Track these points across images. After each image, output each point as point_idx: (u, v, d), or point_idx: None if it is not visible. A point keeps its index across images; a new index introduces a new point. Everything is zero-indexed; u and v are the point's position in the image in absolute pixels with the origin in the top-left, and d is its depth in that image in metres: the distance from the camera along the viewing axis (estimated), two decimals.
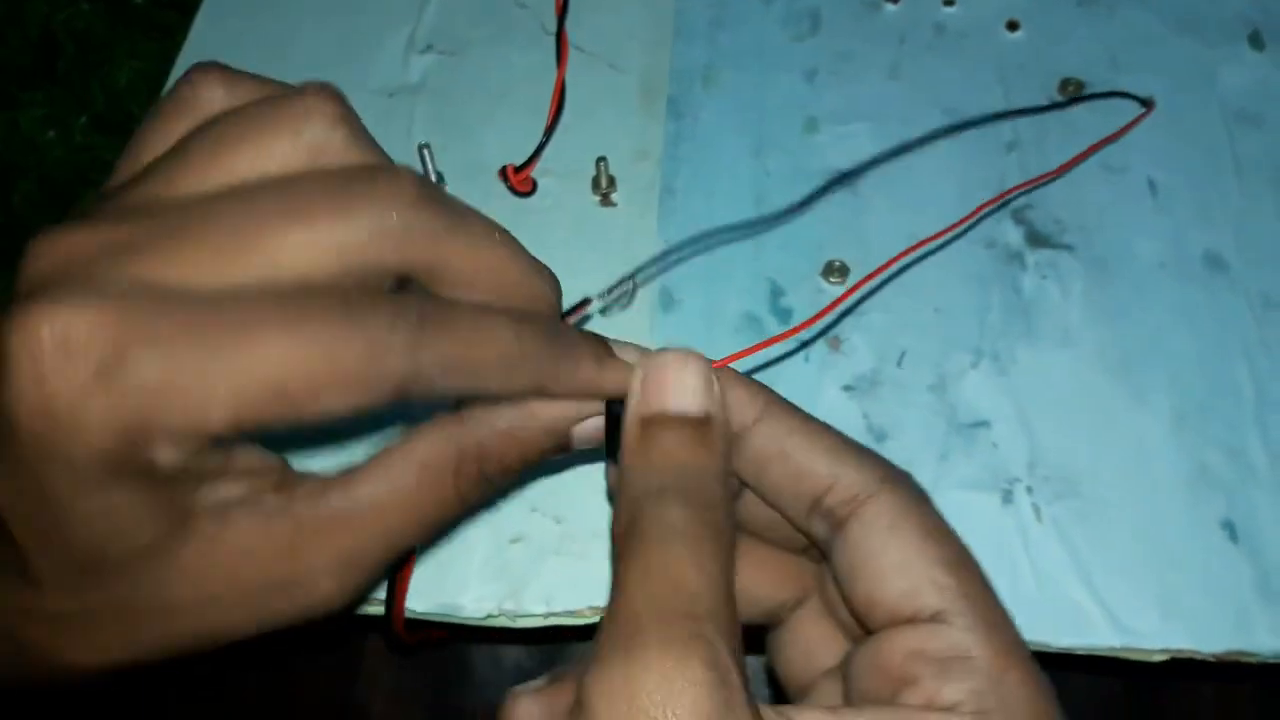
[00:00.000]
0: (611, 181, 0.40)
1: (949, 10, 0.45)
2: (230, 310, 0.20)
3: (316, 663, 0.36)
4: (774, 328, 0.37)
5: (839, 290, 0.38)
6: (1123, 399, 0.35)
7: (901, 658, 0.24)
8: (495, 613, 0.32)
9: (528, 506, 0.34)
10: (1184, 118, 0.42)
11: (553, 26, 0.45)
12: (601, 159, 0.39)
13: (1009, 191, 0.38)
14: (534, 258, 0.25)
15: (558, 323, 0.26)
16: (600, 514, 0.33)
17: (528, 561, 0.33)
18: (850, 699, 0.25)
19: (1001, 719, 0.22)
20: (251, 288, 0.20)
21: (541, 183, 0.41)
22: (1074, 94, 0.42)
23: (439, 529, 0.25)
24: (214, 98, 0.23)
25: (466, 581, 0.32)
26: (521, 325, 0.23)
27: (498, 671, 0.39)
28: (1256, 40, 0.43)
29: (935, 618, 0.24)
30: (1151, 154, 0.41)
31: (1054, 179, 0.39)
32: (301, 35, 0.46)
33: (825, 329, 0.37)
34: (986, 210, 0.38)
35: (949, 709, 0.23)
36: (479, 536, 0.33)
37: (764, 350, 0.36)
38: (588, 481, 0.34)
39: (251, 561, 0.23)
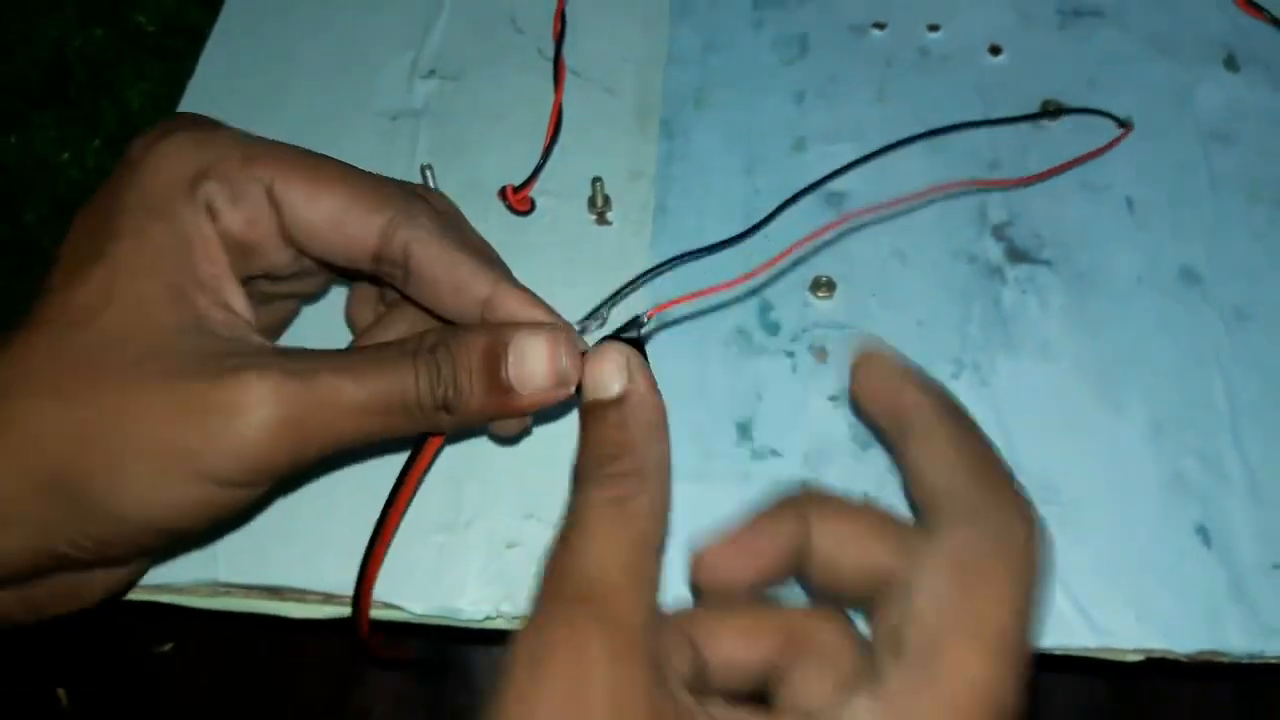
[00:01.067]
0: (607, 201, 0.41)
1: (933, 35, 0.47)
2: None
3: (318, 666, 0.37)
4: (763, 340, 0.38)
5: (826, 304, 0.39)
6: (1100, 409, 0.37)
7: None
8: (494, 614, 0.33)
9: (523, 513, 0.35)
10: (1161, 137, 0.43)
11: (549, 51, 0.47)
12: (597, 179, 0.41)
13: (987, 182, 0.40)
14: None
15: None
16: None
17: (524, 565, 0.34)
18: None
19: None
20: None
21: (539, 202, 0.42)
22: (1053, 117, 0.43)
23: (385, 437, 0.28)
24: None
25: (464, 585, 0.33)
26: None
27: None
28: (1231, 63, 0.45)
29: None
30: (1129, 172, 0.42)
31: (1030, 184, 0.41)
32: (308, 62, 0.48)
33: (812, 341, 0.38)
34: (959, 192, 0.40)
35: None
36: (476, 543, 0.34)
37: (752, 362, 0.38)
38: None
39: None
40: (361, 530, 0.33)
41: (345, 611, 0.33)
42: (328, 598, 0.34)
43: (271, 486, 0.28)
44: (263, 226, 0.30)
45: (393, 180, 0.31)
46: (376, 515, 0.32)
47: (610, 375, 0.28)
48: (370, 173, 0.31)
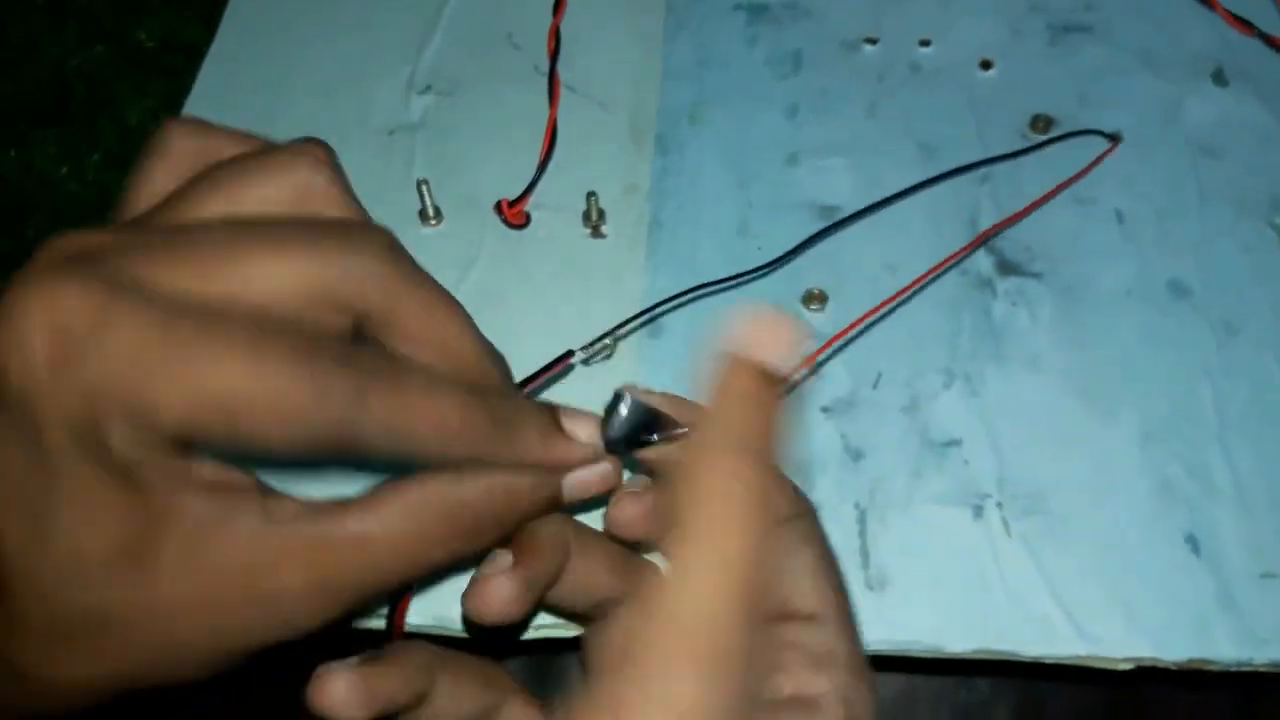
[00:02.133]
0: (602, 215, 0.42)
1: (924, 50, 0.47)
2: (200, 323, 0.22)
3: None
4: None
5: (819, 317, 0.39)
6: (1090, 419, 0.37)
7: (775, 648, 0.26)
8: None
9: None
10: (1150, 151, 0.43)
11: (545, 67, 0.47)
12: (592, 193, 0.41)
13: (985, 233, 0.40)
14: (483, 335, 0.27)
15: (504, 396, 0.26)
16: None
17: None
18: None
19: (859, 710, 0.25)
20: (222, 304, 0.22)
21: (535, 216, 0.43)
22: (1044, 130, 0.44)
23: (425, 572, 0.25)
24: (186, 146, 0.26)
25: (461, 595, 0.34)
26: (467, 396, 0.24)
27: None
28: (1220, 77, 0.45)
29: (811, 617, 0.27)
30: (1119, 185, 0.42)
31: (1023, 217, 0.41)
32: (305, 77, 0.48)
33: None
34: (964, 254, 0.40)
35: (815, 699, 0.25)
36: None
37: None
38: None
39: (227, 574, 0.23)
40: None
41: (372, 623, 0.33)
42: None
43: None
44: None
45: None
46: None
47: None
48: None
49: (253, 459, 0.23)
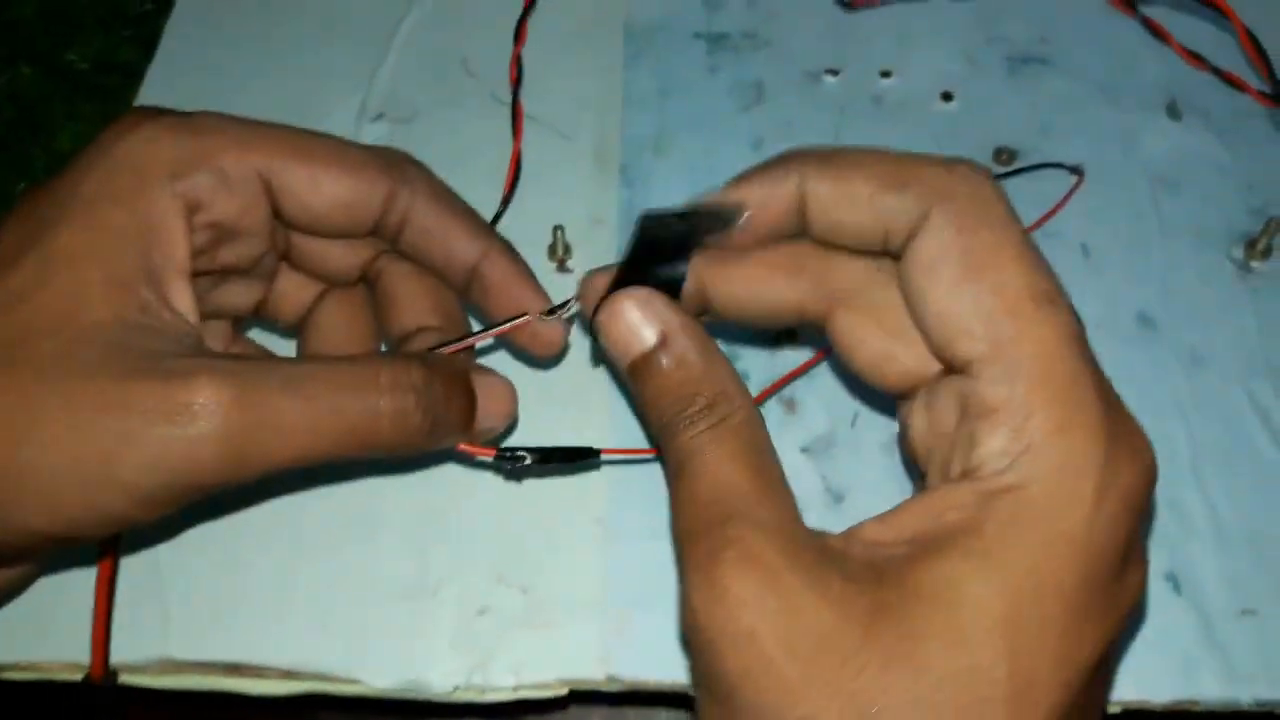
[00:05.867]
0: (568, 249, 0.41)
1: (886, 82, 0.47)
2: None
3: None
4: None
5: (790, 353, 0.38)
6: None
7: (947, 416, 0.25)
8: (463, 686, 0.32)
9: (494, 577, 0.34)
10: (1111, 183, 0.44)
11: (503, 95, 0.46)
12: (559, 227, 0.40)
13: None
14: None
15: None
16: (567, 583, 0.33)
17: (495, 633, 0.33)
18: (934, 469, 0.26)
19: (1034, 483, 0.23)
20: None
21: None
22: (1007, 162, 0.44)
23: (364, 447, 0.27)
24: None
25: (433, 656, 0.32)
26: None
27: None
28: (1173, 110, 0.46)
29: (967, 370, 0.24)
30: (1083, 218, 0.43)
31: None
32: (251, 101, 0.46)
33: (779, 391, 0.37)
34: None
35: (974, 471, 0.23)
36: (444, 609, 0.33)
37: None
38: (554, 550, 0.34)
39: None
40: (326, 598, 0.32)
41: (308, 688, 0.31)
42: (289, 674, 0.32)
43: (182, 507, 0.26)
44: (252, 216, 0.29)
45: (382, 148, 0.32)
46: (341, 580, 0.31)
47: (637, 327, 0.27)
48: (359, 144, 0.31)
49: None
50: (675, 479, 0.26)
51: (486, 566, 0.34)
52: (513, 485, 0.35)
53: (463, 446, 0.30)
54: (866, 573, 0.23)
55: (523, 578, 0.33)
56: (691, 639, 0.24)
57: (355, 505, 0.35)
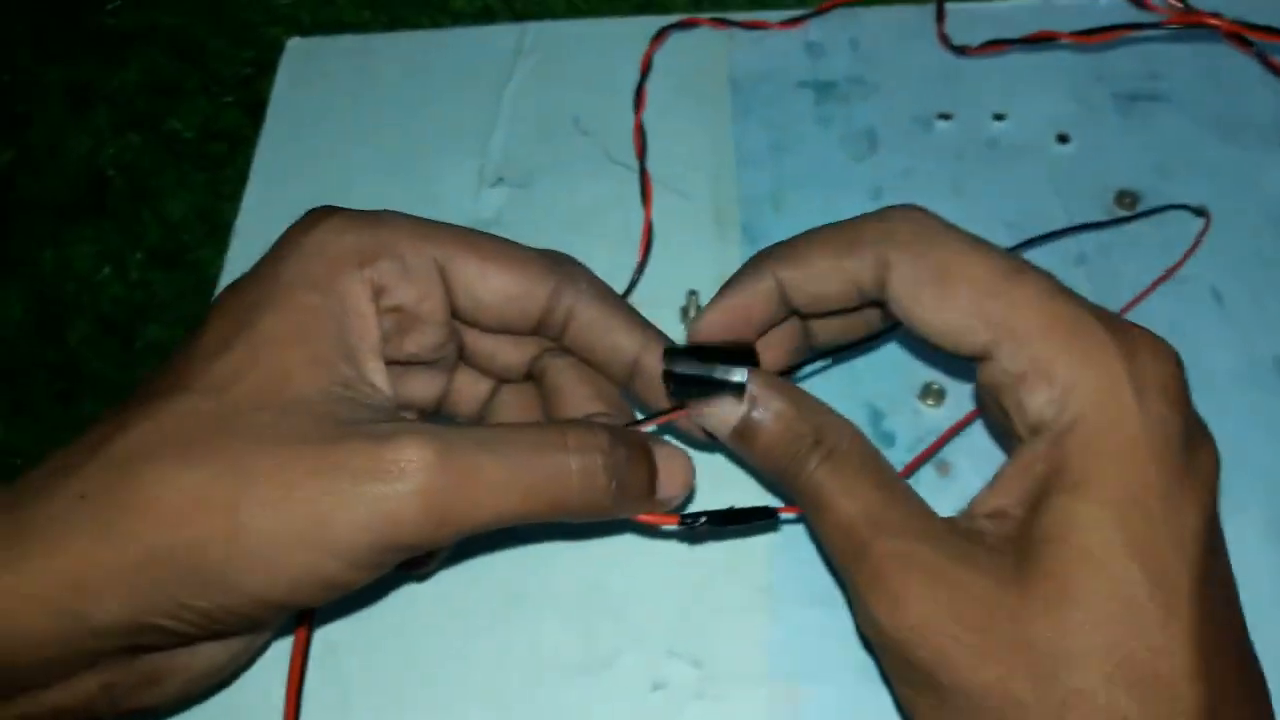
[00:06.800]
0: (700, 311, 0.41)
1: (999, 125, 0.47)
2: None
3: None
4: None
5: (936, 411, 0.39)
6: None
7: (992, 402, 0.29)
8: None
9: (665, 650, 0.34)
10: (1236, 223, 0.43)
11: (616, 153, 0.47)
12: (693, 292, 0.40)
13: None
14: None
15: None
16: (737, 654, 0.34)
17: (670, 709, 0.33)
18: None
19: (1085, 412, 0.26)
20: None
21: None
22: (1130, 206, 0.44)
23: (551, 514, 0.28)
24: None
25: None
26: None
27: None
28: None
29: (988, 356, 0.28)
30: (1211, 262, 0.42)
31: (1135, 305, 0.41)
32: (364, 171, 0.47)
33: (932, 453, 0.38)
34: None
35: (1039, 426, 0.27)
36: (618, 684, 0.33)
37: None
38: (722, 620, 0.34)
39: None
40: (500, 677, 0.32)
41: None
42: None
43: (383, 573, 0.27)
44: (431, 303, 0.30)
45: (547, 250, 0.33)
46: (512, 658, 0.31)
47: (722, 414, 0.30)
48: (524, 246, 0.33)
49: None
50: (814, 515, 0.29)
51: (656, 639, 0.34)
52: (672, 556, 0.36)
53: (643, 517, 0.31)
54: (1000, 539, 0.27)
55: (694, 651, 0.34)
56: (883, 643, 0.27)
57: (519, 582, 0.35)
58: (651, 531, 0.36)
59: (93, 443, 0.26)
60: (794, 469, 0.29)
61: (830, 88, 0.49)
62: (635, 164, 0.46)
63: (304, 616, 0.32)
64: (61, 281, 0.52)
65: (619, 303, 0.34)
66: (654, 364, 0.33)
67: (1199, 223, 0.43)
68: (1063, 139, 0.46)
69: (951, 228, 0.29)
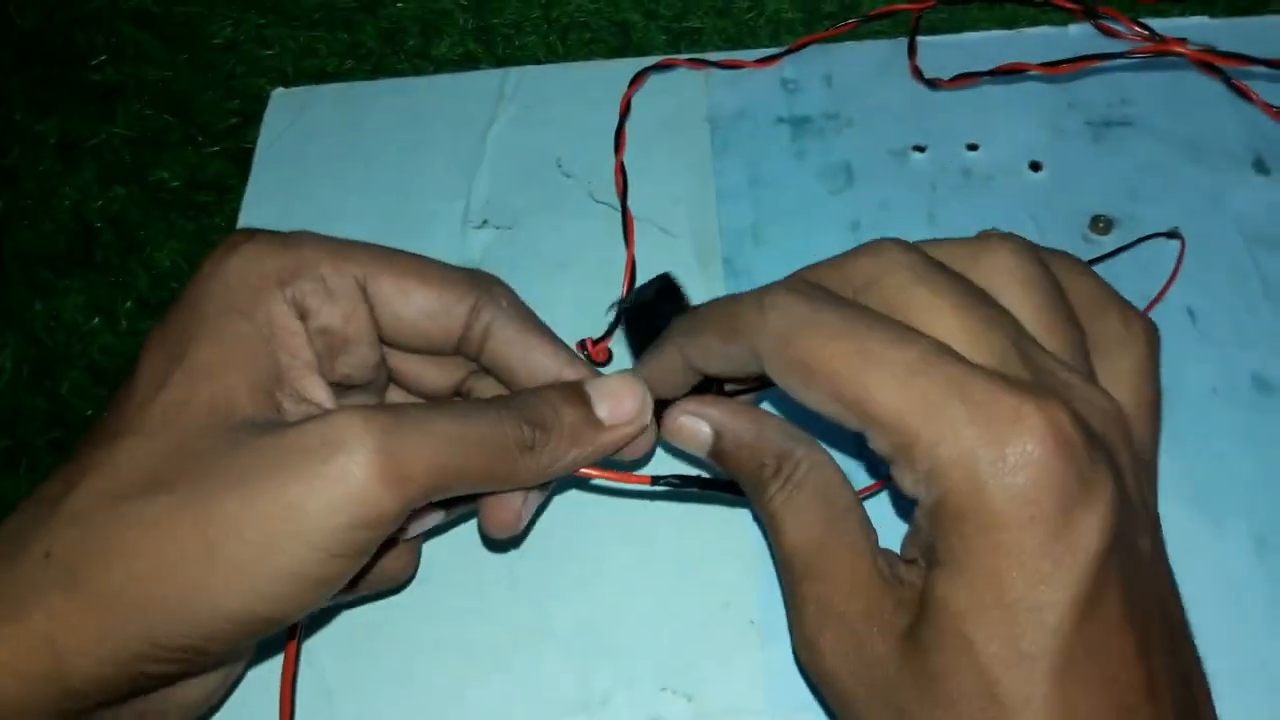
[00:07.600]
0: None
1: (973, 155, 0.48)
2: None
3: None
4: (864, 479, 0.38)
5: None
6: (1200, 528, 0.37)
7: None
8: None
9: (657, 685, 0.34)
10: (1208, 244, 0.44)
11: (599, 193, 0.47)
12: None
13: None
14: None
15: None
16: (729, 688, 0.34)
17: None
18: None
19: (947, 494, 0.26)
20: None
21: (616, 351, 0.42)
22: (1105, 230, 0.45)
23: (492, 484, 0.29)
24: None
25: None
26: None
27: None
28: (1261, 165, 0.47)
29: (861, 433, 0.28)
30: (1184, 282, 0.43)
31: None
32: (353, 217, 0.48)
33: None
34: None
35: (914, 498, 0.27)
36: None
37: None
38: (712, 655, 0.35)
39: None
40: (501, 714, 0.32)
41: None
42: None
43: (375, 550, 0.27)
44: (357, 323, 0.31)
45: (466, 269, 0.33)
46: (510, 695, 0.32)
47: (694, 428, 0.32)
48: (444, 263, 0.33)
49: None
50: (770, 536, 0.31)
51: (649, 675, 0.34)
52: (666, 594, 0.36)
53: (615, 476, 0.32)
54: (909, 591, 0.27)
55: (686, 686, 0.34)
56: (806, 673, 0.30)
57: (518, 620, 0.36)
58: (629, 494, 0.38)
59: (51, 498, 0.26)
60: (755, 492, 0.31)
61: (806, 123, 0.50)
62: (618, 203, 0.46)
63: (291, 651, 0.32)
64: (52, 332, 0.52)
65: (541, 325, 0.34)
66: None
67: (1174, 245, 0.44)
68: (1035, 167, 0.47)
69: (828, 304, 0.28)
